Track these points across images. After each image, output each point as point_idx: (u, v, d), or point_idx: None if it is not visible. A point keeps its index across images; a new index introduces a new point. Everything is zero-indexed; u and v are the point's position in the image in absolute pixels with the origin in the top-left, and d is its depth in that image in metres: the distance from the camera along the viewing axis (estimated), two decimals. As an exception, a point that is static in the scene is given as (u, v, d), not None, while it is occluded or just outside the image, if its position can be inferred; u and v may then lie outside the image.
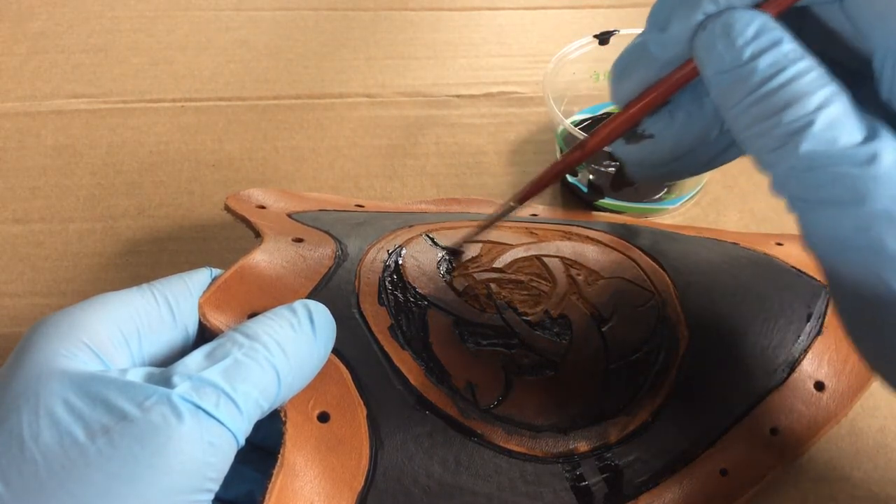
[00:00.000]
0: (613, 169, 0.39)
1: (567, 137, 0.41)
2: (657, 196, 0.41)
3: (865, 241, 0.19)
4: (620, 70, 0.24)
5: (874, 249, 0.19)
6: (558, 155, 0.43)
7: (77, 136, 0.46)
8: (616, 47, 0.42)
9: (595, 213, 0.42)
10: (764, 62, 0.20)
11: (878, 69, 0.21)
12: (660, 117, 0.25)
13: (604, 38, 0.42)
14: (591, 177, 0.40)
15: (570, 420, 0.29)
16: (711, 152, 0.26)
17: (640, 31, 0.24)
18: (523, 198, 0.30)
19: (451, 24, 0.56)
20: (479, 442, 0.28)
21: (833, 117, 0.19)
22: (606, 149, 0.26)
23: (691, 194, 0.42)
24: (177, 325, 0.25)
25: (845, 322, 0.22)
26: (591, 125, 0.44)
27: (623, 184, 0.40)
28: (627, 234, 0.36)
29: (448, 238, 0.33)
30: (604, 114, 0.45)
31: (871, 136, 0.19)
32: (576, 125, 0.42)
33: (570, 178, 0.43)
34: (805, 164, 0.19)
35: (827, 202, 0.19)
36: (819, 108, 0.19)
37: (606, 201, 0.41)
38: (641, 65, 0.23)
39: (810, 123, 0.19)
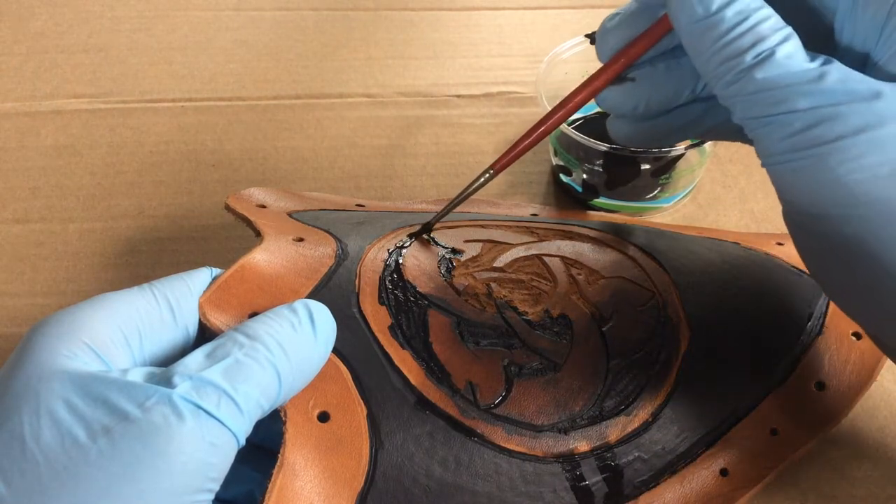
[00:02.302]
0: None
1: (560, 137, 0.41)
2: (651, 195, 0.41)
3: (815, 136, 0.22)
4: (605, 28, 0.29)
5: (823, 139, 0.22)
6: (552, 155, 0.43)
7: (77, 136, 0.46)
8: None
9: (591, 212, 0.42)
10: (730, 12, 0.23)
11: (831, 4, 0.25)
12: (642, 66, 0.29)
13: (594, 37, 0.42)
14: (584, 176, 0.40)
15: (570, 420, 0.29)
16: (681, 120, 0.30)
17: None
18: (503, 165, 0.31)
19: (451, 24, 0.56)
20: (480, 442, 0.28)
21: (789, 51, 0.23)
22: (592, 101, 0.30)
23: (684, 193, 0.42)
24: (177, 324, 0.25)
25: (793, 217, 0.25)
26: (584, 125, 0.44)
27: (618, 182, 0.40)
28: (627, 233, 0.36)
29: (448, 238, 0.33)
30: (596, 113, 0.45)
31: (818, 63, 0.23)
32: (568, 124, 0.42)
33: (564, 178, 0.42)
34: (765, 86, 0.23)
35: (783, 113, 0.23)
36: (778, 45, 0.23)
37: (601, 200, 0.41)
38: (623, 22, 0.28)
39: (771, 54, 0.23)
